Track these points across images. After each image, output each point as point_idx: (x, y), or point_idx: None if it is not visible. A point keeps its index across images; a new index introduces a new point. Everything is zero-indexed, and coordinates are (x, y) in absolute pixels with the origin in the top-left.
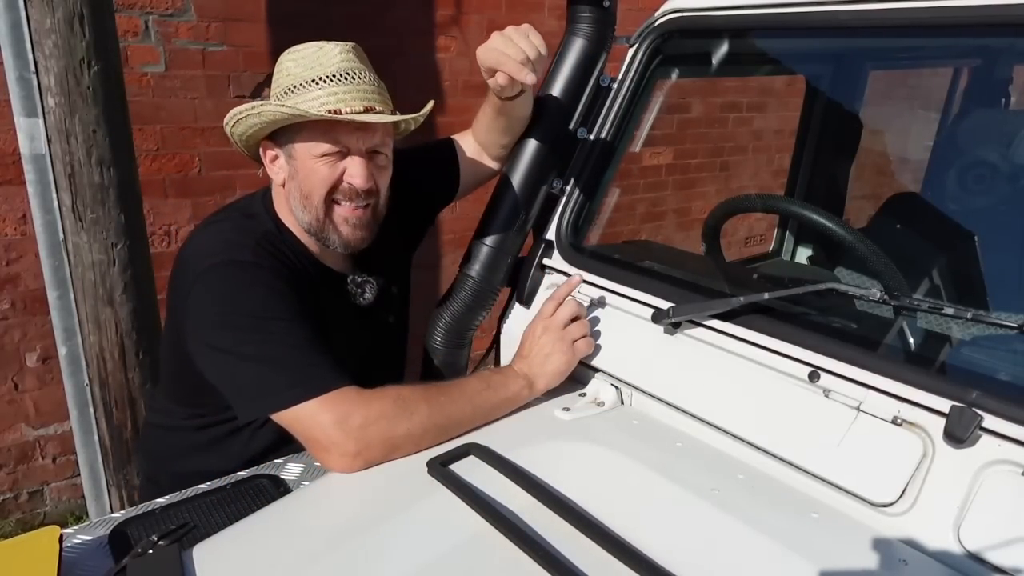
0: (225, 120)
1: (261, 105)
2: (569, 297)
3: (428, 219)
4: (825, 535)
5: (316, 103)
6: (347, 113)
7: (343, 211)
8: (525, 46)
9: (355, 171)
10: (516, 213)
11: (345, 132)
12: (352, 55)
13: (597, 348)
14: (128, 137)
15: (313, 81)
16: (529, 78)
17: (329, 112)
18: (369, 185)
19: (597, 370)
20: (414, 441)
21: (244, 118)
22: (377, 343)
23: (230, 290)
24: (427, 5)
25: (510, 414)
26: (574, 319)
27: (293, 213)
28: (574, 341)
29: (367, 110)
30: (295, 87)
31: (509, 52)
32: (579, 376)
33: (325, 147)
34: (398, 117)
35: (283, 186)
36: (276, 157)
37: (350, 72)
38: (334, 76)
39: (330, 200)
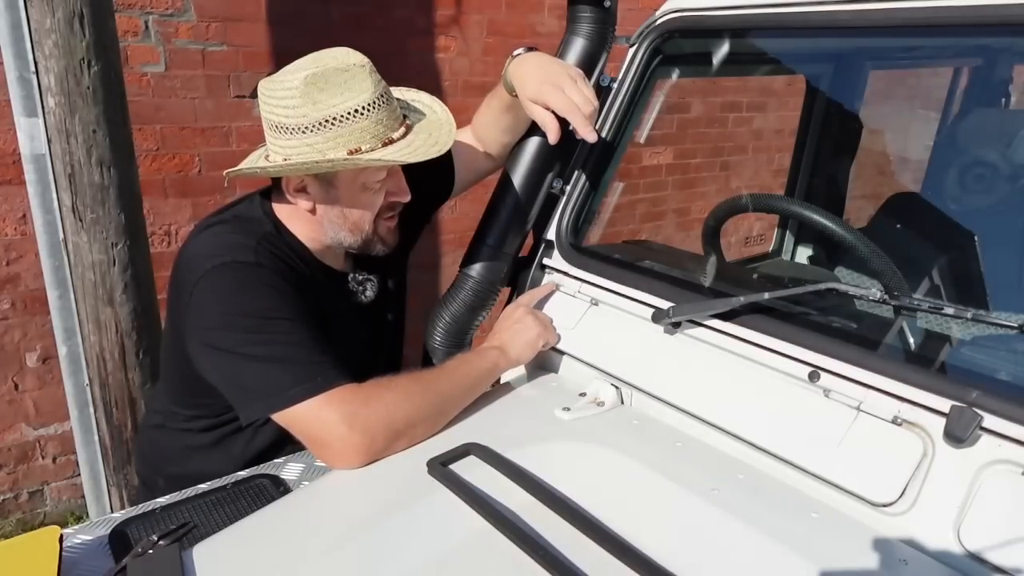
0: (267, 169)
1: (342, 159)
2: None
3: (425, 217)
4: (825, 535)
5: (367, 135)
6: (396, 139)
7: (387, 223)
8: (591, 98)
9: (400, 188)
10: (516, 213)
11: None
12: (376, 72)
13: (597, 348)
14: (128, 137)
15: (356, 112)
16: (592, 136)
17: (383, 143)
18: (410, 194)
19: (597, 370)
20: (413, 425)
21: (308, 168)
22: (377, 340)
23: (232, 290)
24: (427, 5)
25: (509, 407)
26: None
27: (327, 234)
28: (550, 322)
29: (406, 128)
30: (334, 119)
31: (578, 101)
32: (579, 376)
33: (380, 176)
34: (449, 143)
35: (312, 212)
36: (303, 185)
37: (383, 93)
38: (374, 103)
39: (378, 220)
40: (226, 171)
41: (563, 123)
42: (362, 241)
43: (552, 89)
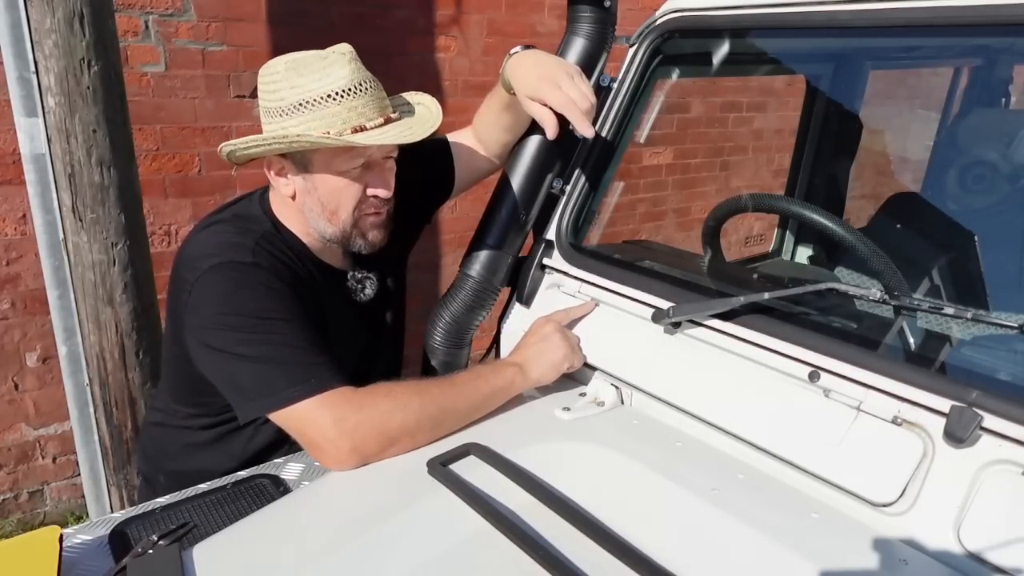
0: (237, 145)
1: (295, 136)
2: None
3: (424, 217)
4: (825, 535)
5: (337, 120)
6: (370, 128)
7: (369, 219)
8: (588, 93)
9: (379, 182)
10: (516, 213)
11: (368, 146)
12: (358, 62)
13: (597, 348)
14: (128, 137)
15: (329, 96)
16: (590, 131)
17: (353, 129)
18: (392, 192)
19: (597, 370)
20: (409, 434)
21: (269, 145)
22: (376, 339)
23: (230, 291)
24: (427, 5)
25: (509, 407)
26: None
27: (309, 225)
28: (578, 343)
29: (386, 120)
30: (307, 102)
31: (575, 97)
32: (579, 376)
33: (352, 164)
34: (424, 133)
35: (293, 198)
36: (283, 170)
37: (362, 82)
38: (349, 90)
39: (357, 213)
40: (221, 144)
41: (562, 121)
42: (341, 233)
43: (549, 86)
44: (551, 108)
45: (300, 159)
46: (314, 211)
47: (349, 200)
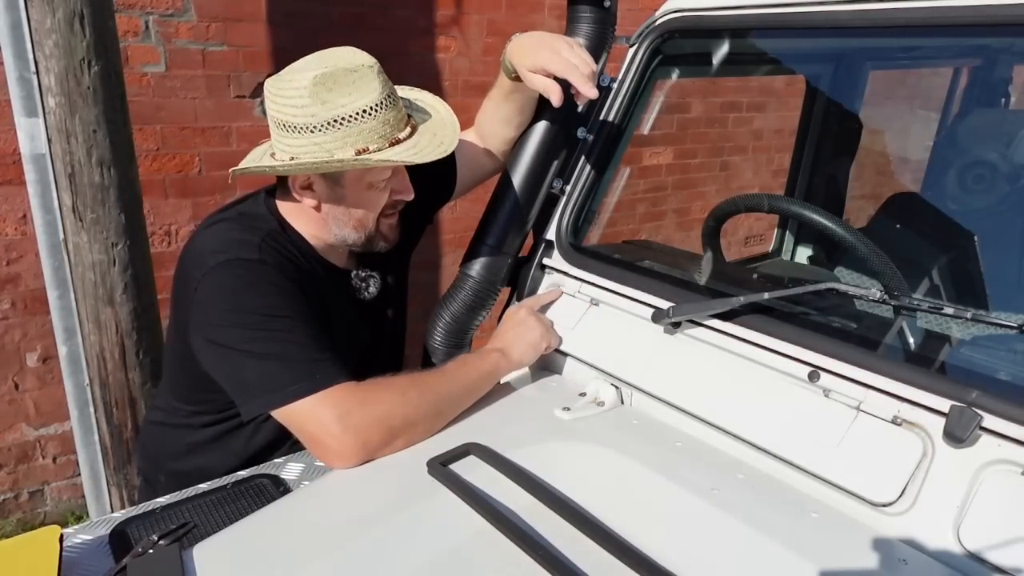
0: (275, 167)
1: (353, 159)
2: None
3: (427, 217)
4: (825, 535)
5: (374, 135)
6: (403, 139)
7: (388, 221)
8: (589, 60)
9: (404, 187)
10: (516, 213)
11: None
12: (383, 73)
13: (597, 348)
14: (128, 137)
15: (365, 112)
16: (594, 92)
17: (390, 142)
18: (413, 193)
19: (597, 370)
20: (410, 425)
21: (317, 167)
22: (378, 337)
23: (236, 287)
24: (427, 5)
25: (509, 407)
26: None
27: (332, 232)
28: (551, 325)
29: (412, 128)
30: (342, 118)
31: (576, 62)
32: (579, 376)
33: (385, 175)
34: (454, 143)
35: (317, 209)
36: (310, 183)
37: (391, 94)
38: (381, 103)
39: (380, 217)
40: (232, 169)
41: (563, 122)
42: (365, 238)
43: (549, 53)
44: (554, 77)
45: (331, 173)
46: (340, 220)
47: (377, 208)
